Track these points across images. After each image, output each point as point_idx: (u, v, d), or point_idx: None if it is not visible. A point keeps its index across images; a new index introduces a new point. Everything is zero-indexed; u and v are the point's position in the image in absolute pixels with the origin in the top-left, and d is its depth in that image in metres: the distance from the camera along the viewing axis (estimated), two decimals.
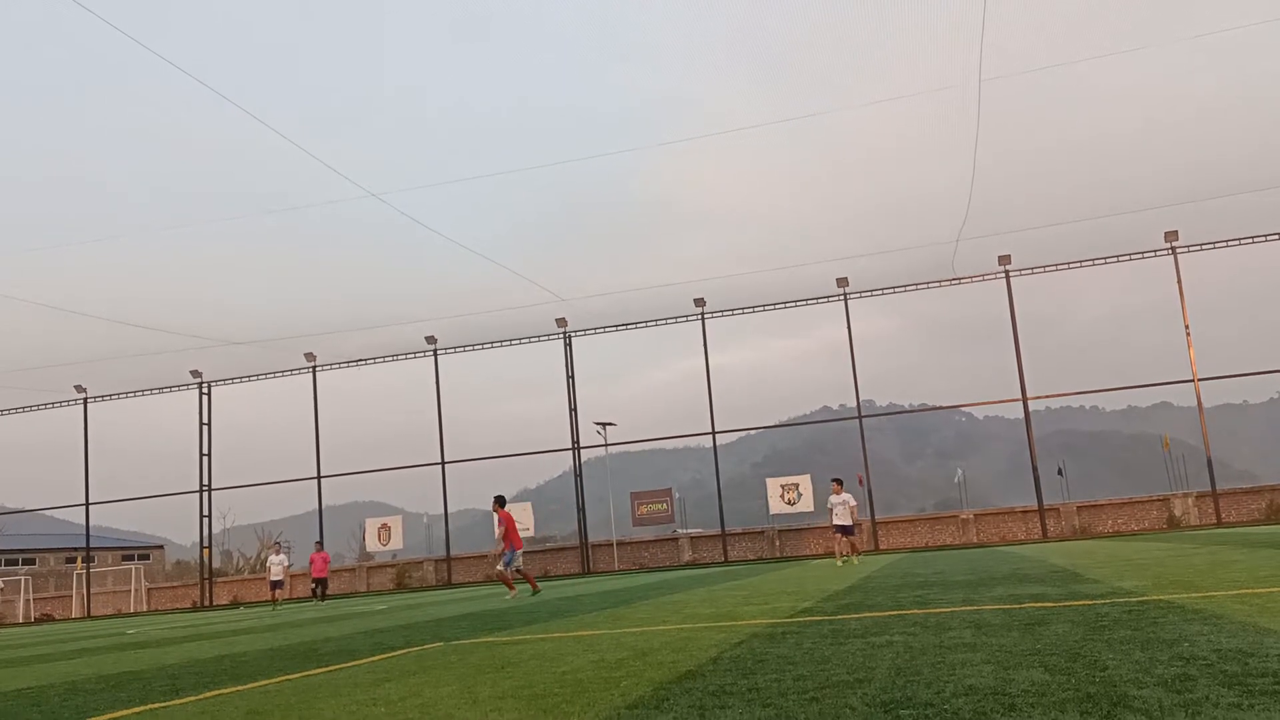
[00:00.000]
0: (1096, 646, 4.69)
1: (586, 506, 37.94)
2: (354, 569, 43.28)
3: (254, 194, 23.69)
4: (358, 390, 40.82)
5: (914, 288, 34.92)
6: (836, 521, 22.16)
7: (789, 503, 35.82)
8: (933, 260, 31.91)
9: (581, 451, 37.79)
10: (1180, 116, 23.44)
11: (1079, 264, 33.13)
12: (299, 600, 36.07)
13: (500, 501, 19.26)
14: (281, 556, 30.61)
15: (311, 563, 30.78)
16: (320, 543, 32.28)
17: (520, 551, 19.13)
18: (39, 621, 41.66)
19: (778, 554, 36.35)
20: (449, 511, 38.91)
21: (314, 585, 30.33)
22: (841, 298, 34.95)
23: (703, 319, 36.26)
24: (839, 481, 22.69)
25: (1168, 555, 13.71)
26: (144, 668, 8.65)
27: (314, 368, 39.66)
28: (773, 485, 36.38)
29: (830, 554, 24.96)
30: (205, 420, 40.90)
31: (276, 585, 30.08)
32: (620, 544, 38.92)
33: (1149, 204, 28.08)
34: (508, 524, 18.74)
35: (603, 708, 4.02)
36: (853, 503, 22.40)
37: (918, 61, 20.01)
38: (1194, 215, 28.94)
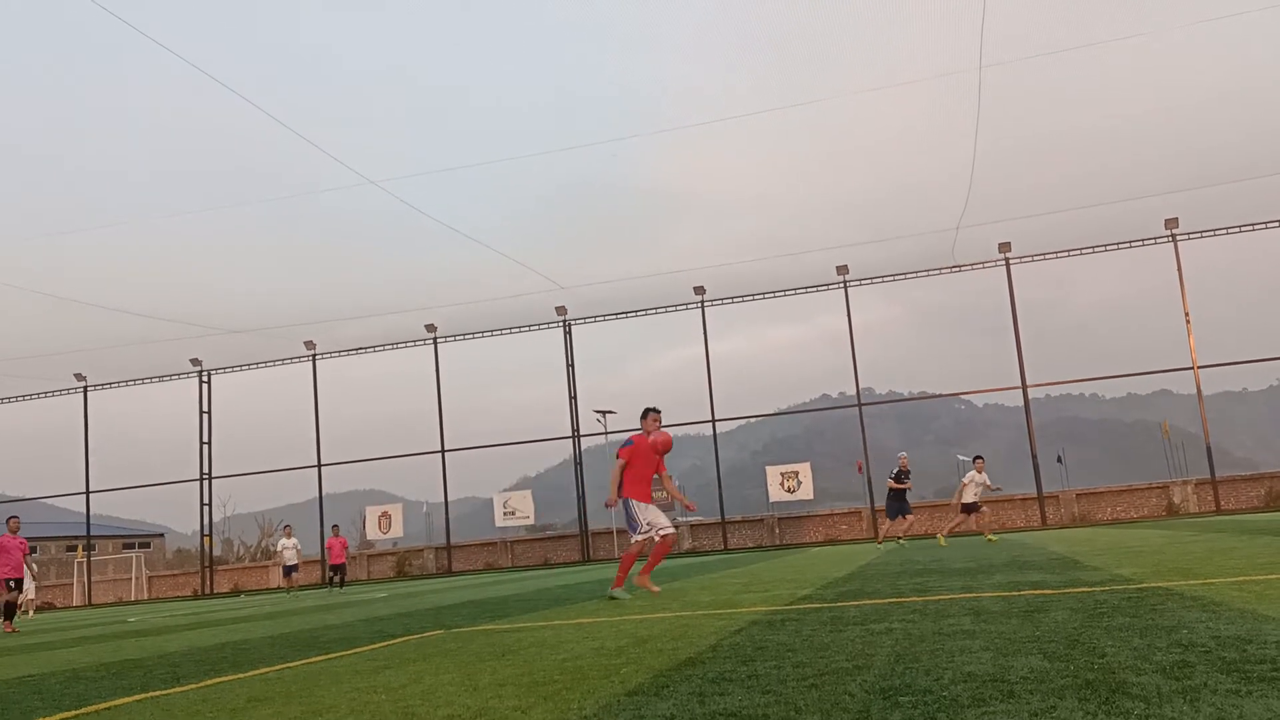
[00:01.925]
0: (1095, 633, 4.70)
1: (586, 494, 37.99)
2: (354, 557, 43.36)
3: (253, 181, 23.64)
4: (357, 378, 40.88)
5: (914, 275, 34.88)
6: (966, 499, 21.22)
7: (789, 490, 35.85)
8: (933, 248, 31.88)
9: (581, 439, 37.82)
10: (1181, 103, 23.38)
11: (1079, 251, 33.09)
12: (311, 587, 36.02)
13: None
14: (294, 540, 29.23)
15: (329, 548, 29.39)
16: (337, 527, 30.74)
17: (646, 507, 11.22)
18: (40, 610, 41.74)
19: (778, 542, 36.41)
20: (449, 499, 38.95)
21: (331, 572, 28.94)
22: (841, 285, 34.92)
23: (702, 307, 36.23)
24: (982, 459, 21.58)
25: (1167, 542, 13.73)
26: (145, 655, 8.67)
27: (314, 356, 39.65)
28: (772, 473, 36.41)
29: (895, 536, 23.96)
30: (205, 408, 40.91)
31: (290, 570, 28.76)
32: (620, 532, 38.97)
33: (1149, 191, 28.03)
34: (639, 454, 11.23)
35: (603, 695, 4.03)
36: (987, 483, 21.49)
37: (918, 48, 19.96)
38: (1194, 202, 28.90)
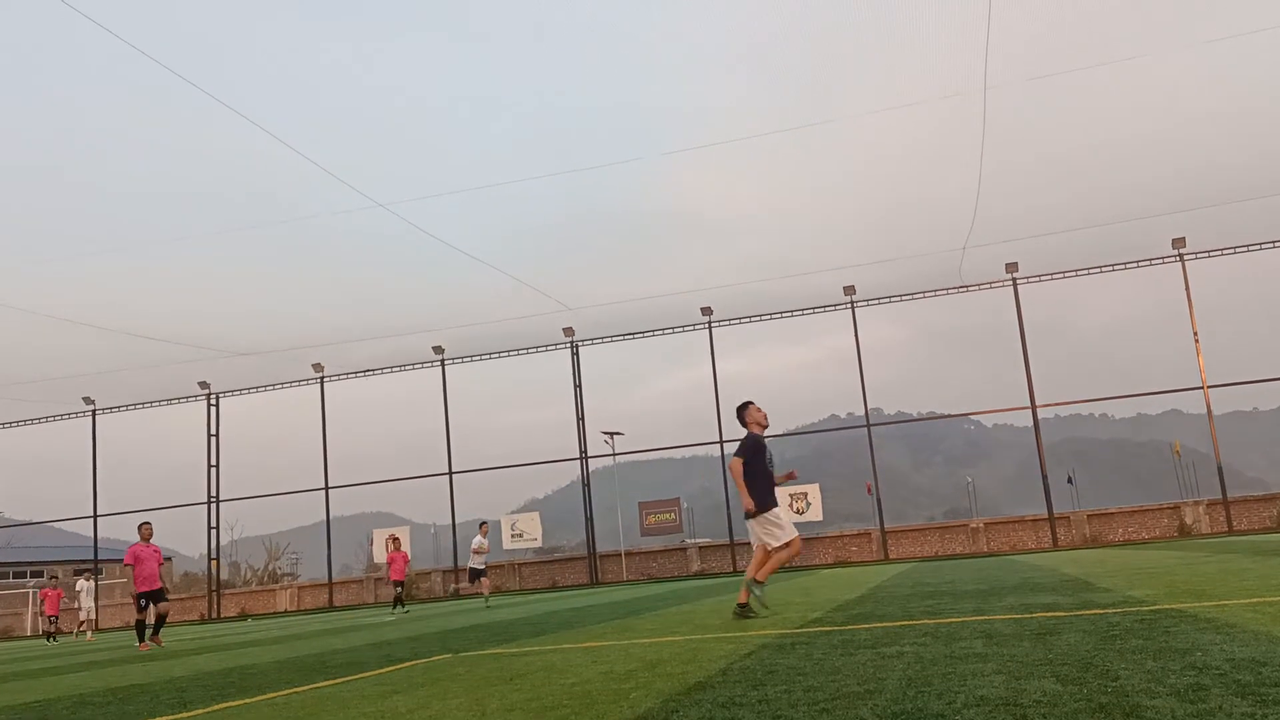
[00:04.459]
0: (1108, 656, 4.66)
1: (594, 516, 37.87)
2: (362, 580, 43.25)
3: (262, 204, 23.76)
4: (365, 400, 40.90)
5: (921, 296, 34.86)
6: None
7: (797, 512, 35.71)
8: (940, 268, 31.87)
9: (589, 461, 37.76)
10: (1187, 122, 23.39)
11: (1087, 271, 33.06)
12: (317, 612, 35.90)
13: None
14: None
15: (390, 563, 26.18)
16: (397, 540, 27.33)
17: None
18: (46, 634, 41.67)
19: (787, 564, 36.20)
20: (457, 522, 38.88)
21: (396, 589, 25.91)
22: (849, 306, 34.91)
23: (710, 328, 36.24)
24: None
25: (1179, 563, 13.64)
26: (151, 680, 8.64)
27: (321, 378, 39.72)
28: (781, 494, 36.28)
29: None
30: (213, 431, 40.97)
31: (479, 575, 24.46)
32: (628, 554, 38.85)
33: (1156, 210, 28.02)
34: None
35: None
36: None
37: (924, 69, 20.02)
38: (1202, 221, 28.88)
